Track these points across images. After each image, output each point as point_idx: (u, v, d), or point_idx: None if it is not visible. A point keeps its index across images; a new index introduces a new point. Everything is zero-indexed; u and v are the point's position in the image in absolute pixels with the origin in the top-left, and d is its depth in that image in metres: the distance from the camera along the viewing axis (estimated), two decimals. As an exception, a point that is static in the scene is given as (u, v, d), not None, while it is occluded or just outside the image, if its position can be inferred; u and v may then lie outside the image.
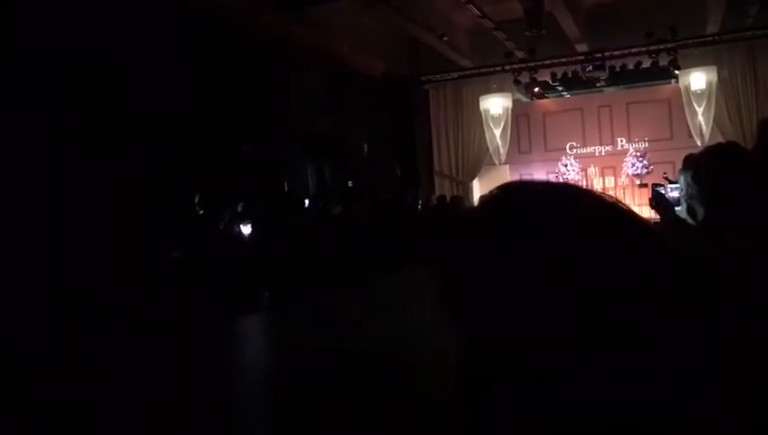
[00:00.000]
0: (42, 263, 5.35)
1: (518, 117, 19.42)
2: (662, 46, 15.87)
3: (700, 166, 1.89)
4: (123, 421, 2.23)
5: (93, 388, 2.75)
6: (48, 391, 2.69)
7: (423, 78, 18.13)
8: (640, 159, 17.99)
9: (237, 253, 5.98)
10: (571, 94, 19.46)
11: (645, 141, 18.40)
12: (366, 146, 15.83)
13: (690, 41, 15.64)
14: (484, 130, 17.85)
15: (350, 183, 13.37)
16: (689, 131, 17.66)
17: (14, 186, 6.42)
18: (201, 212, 8.30)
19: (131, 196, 6.86)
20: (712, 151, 1.94)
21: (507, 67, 17.22)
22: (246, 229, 6.66)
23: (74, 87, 7.68)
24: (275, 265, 5.94)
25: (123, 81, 8.43)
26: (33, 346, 3.99)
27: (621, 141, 18.82)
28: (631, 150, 18.34)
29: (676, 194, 4.09)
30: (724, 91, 15.92)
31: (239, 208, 7.59)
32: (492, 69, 17.39)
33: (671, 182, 7.25)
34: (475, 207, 0.82)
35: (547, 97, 19.57)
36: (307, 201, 8.96)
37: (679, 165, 10.73)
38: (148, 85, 8.76)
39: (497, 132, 17.96)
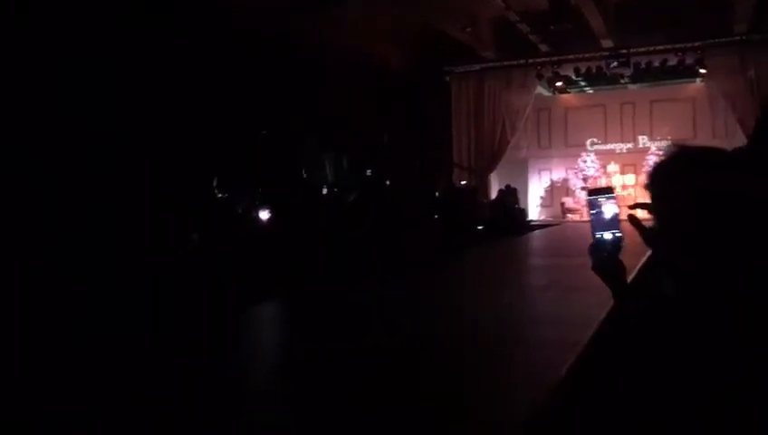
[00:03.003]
0: (59, 246, 5.40)
1: (539, 111, 19.31)
2: (689, 45, 15.67)
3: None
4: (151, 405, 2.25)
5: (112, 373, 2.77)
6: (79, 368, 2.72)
7: (445, 69, 18.04)
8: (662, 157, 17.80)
9: (255, 237, 6.02)
10: (593, 90, 19.28)
11: (668, 140, 18.18)
12: (386, 136, 15.81)
13: (717, 40, 15.41)
14: (504, 124, 17.73)
15: (368, 172, 13.36)
16: (714, 132, 17.47)
17: (40, 170, 6.47)
18: (219, 196, 8.34)
19: (151, 179, 6.89)
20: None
21: (530, 61, 17.09)
22: (264, 215, 6.68)
23: (95, 74, 7.72)
24: (293, 252, 5.97)
25: (143, 65, 8.46)
26: (61, 330, 4.04)
27: (643, 139, 18.66)
28: (653, 149, 18.17)
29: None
30: (750, 91, 15.67)
31: (257, 194, 7.61)
32: (515, 62, 17.26)
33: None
34: None
35: (569, 92, 19.41)
36: (325, 189, 8.98)
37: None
38: (170, 71, 8.79)
39: (518, 126, 17.85)
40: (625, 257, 1.75)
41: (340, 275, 5.85)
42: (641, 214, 1.80)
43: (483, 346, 3.05)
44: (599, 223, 1.78)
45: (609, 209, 1.77)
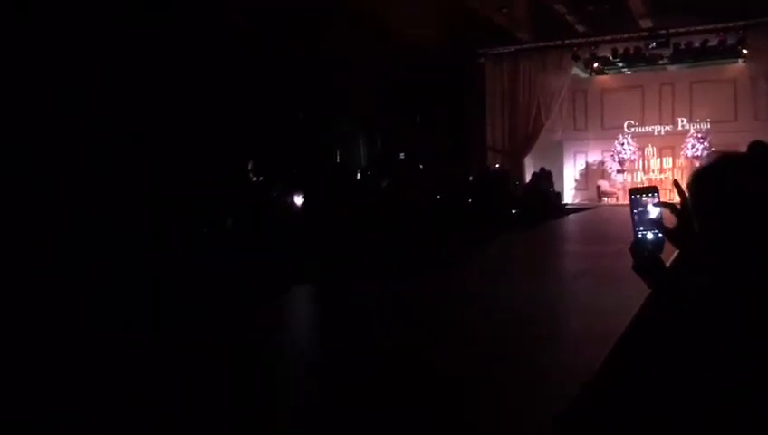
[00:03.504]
0: (94, 229, 5.51)
1: (575, 93, 19.02)
2: (730, 24, 15.28)
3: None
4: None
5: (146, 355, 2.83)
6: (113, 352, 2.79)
7: (479, 50, 17.88)
8: (701, 140, 17.46)
9: (289, 222, 6.08)
10: (631, 71, 18.92)
11: (707, 122, 17.82)
12: (418, 117, 15.76)
13: (760, 19, 14.99)
14: (539, 106, 17.54)
15: (401, 155, 13.35)
16: (755, 114, 17.03)
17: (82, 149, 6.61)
18: (255, 179, 8.43)
19: (186, 164, 7.00)
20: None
21: (566, 42, 16.85)
22: (299, 199, 6.74)
23: (129, 57, 7.82)
24: (326, 238, 6.02)
25: (180, 49, 8.54)
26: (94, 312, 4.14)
27: (682, 121, 18.27)
28: (692, 131, 17.81)
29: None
30: (794, 73, 15.25)
31: (292, 178, 7.67)
32: (550, 43, 17.04)
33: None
34: None
35: (606, 73, 19.09)
36: (359, 174, 9.02)
37: (743, 148, 10.43)
38: (205, 55, 8.87)
39: (553, 108, 17.63)
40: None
41: (370, 262, 5.89)
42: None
43: (511, 340, 3.05)
44: (641, 222, 1.77)
45: (652, 209, 1.77)
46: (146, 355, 2.79)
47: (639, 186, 1.83)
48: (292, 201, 6.69)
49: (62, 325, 3.89)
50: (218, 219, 5.68)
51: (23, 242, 5.06)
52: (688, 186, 1.75)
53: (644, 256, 1.77)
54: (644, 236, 1.76)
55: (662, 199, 1.80)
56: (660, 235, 1.75)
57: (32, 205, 5.69)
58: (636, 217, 1.78)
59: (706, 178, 1.72)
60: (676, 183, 1.83)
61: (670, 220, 1.76)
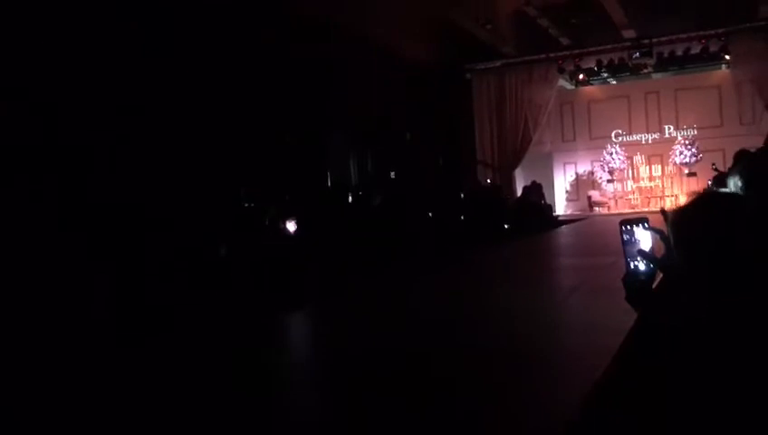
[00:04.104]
0: (88, 254, 5.51)
1: (562, 105, 19.18)
2: (712, 31, 15.46)
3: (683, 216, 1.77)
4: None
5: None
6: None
7: (465, 66, 18.01)
8: (689, 147, 17.61)
9: (283, 248, 6.09)
10: (616, 80, 19.10)
11: (694, 129, 17.98)
12: (409, 134, 15.82)
13: (741, 25, 15.18)
14: (527, 119, 17.66)
15: (392, 174, 13.39)
16: (740, 118, 17.21)
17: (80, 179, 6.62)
18: (246, 205, 8.43)
19: (177, 191, 7.02)
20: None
21: (551, 55, 17.00)
22: (291, 226, 6.76)
23: (120, 82, 7.85)
24: (320, 260, 6.04)
25: (168, 72, 8.58)
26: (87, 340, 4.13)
27: (669, 129, 18.43)
28: (679, 138, 17.96)
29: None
30: (777, 77, 15.39)
31: (284, 203, 7.69)
32: (535, 57, 17.18)
33: (721, 176, 7.06)
34: None
35: (592, 84, 19.26)
36: (350, 195, 9.04)
37: (730, 153, 10.36)
38: (194, 78, 8.91)
39: (540, 121, 17.75)
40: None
41: (361, 278, 5.91)
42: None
43: (505, 358, 3.06)
44: (632, 253, 1.77)
45: (642, 239, 1.77)
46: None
47: (629, 217, 1.83)
48: (285, 227, 6.71)
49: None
50: (212, 247, 5.69)
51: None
52: (672, 222, 1.76)
53: (636, 288, 1.77)
54: (636, 267, 1.77)
55: (652, 222, 1.82)
56: (652, 266, 1.75)
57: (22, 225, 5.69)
58: (626, 249, 1.78)
59: (689, 218, 1.74)
60: (663, 211, 1.85)
61: (659, 247, 1.78)
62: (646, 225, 1.79)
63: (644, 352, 2.33)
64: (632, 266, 1.77)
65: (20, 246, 5.38)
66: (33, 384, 2.46)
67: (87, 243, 5.52)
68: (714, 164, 13.95)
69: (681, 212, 1.76)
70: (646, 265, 1.76)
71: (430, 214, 10.99)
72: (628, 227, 1.79)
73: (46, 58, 7.04)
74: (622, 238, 1.80)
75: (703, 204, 1.77)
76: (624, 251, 1.79)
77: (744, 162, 3.56)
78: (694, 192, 1.81)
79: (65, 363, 3.14)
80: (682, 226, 1.73)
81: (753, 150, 6.19)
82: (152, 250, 5.66)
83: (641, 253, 1.76)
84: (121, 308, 4.73)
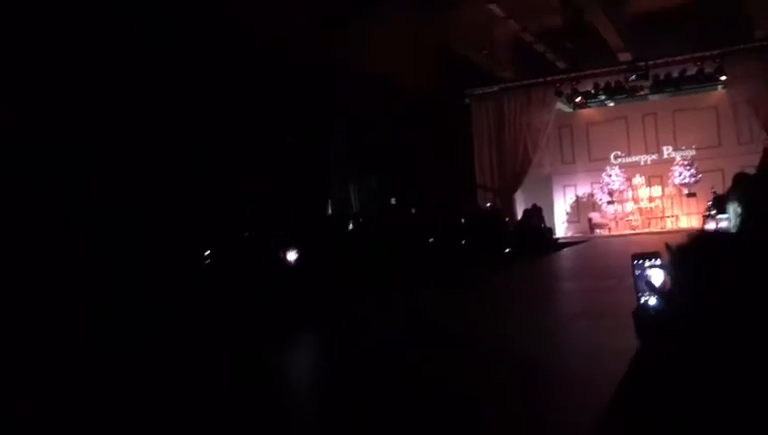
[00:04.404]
0: (92, 282, 5.50)
1: (561, 127, 19.26)
2: (707, 53, 15.58)
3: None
4: None
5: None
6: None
7: (464, 91, 18.12)
8: (688, 167, 17.64)
9: (283, 279, 6.09)
10: (614, 103, 19.18)
11: (692, 149, 18.02)
12: (409, 160, 15.87)
13: (736, 47, 15.30)
14: (526, 142, 17.73)
15: (393, 200, 13.41)
16: (738, 138, 17.27)
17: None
18: (246, 235, 8.42)
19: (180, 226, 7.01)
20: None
21: (549, 78, 17.11)
22: (292, 256, 6.75)
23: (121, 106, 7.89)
24: (320, 288, 6.03)
25: (169, 98, 8.62)
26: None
27: (668, 150, 18.48)
28: (678, 159, 17.99)
29: (725, 224, 3.93)
30: (773, 96, 15.46)
31: (284, 233, 7.68)
32: (533, 81, 17.30)
33: (720, 202, 7.06)
34: None
35: (590, 106, 19.34)
36: (351, 224, 9.06)
37: (729, 173, 10.40)
38: (195, 108, 8.95)
39: (539, 144, 17.82)
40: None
41: (364, 303, 5.90)
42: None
43: (513, 384, 3.05)
44: (642, 287, 1.76)
45: (654, 274, 1.75)
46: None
47: (641, 251, 1.82)
48: (285, 258, 6.71)
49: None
50: (215, 283, 5.69)
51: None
52: (671, 261, 1.76)
53: (646, 323, 1.76)
54: (646, 301, 1.76)
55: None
56: (663, 300, 1.74)
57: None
58: (638, 283, 1.77)
59: (686, 258, 1.74)
60: (667, 246, 1.84)
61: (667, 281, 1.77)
62: (657, 260, 1.78)
63: (646, 380, 2.32)
64: (642, 301, 1.75)
65: (20, 244, 5.38)
66: (33, 382, 2.45)
67: (91, 274, 5.52)
68: (713, 187, 14.02)
69: (680, 251, 1.76)
70: (657, 299, 1.74)
71: (431, 239, 11.00)
72: (640, 261, 1.78)
73: (46, 58, 7.07)
74: (633, 273, 1.79)
75: (699, 246, 1.77)
76: (635, 285, 1.78)
77: (742, 187, 3.57)
78: (693, 231, 1.81)
79: (64, 361, 3.12)
80: (680, 265, 1.73)
81: (751, 172, 6.20)
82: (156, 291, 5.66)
83: (652, 288, 1.75)
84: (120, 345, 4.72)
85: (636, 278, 1.77)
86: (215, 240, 7.07)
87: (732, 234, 1.83)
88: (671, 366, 1.73)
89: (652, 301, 1.75)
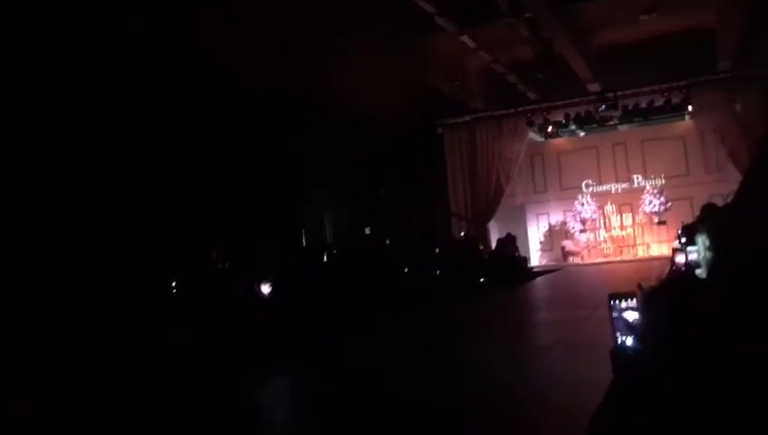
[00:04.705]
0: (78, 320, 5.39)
1: (532, 157, 19.48)
2: (674, 84, 15.94)
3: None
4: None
5: None
6: None
7: (437, 121, 18.27)
8: (658, 196, 17.93)
9: (258, 313, 6.02)
10: (584, 132, 19.48)
11: (661, 178, 18.34)
12: (382, 190, 15.91)
13: (702, 78, 15.68)
14: (499, 172, 17.87)
15: (367, 230, 13.40)
16: (706, 167, 17.63)
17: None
18: (220, 266, 8.34)
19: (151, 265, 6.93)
20: None
21: (520, 109, 17.34)
22: (266, 289, 6.69)
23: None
24: (296, 322, 5.97)
25: (148, 130, 8.57)
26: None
27: (637, 178, 18.78)
28: (648, 188, 18.28)
29: (694, 256, 3.98)
30: (738, 125, 15.79)
31: (258, 265, 7.63)
32: (505, 111, 17.51)
33: (688, 232, 7.14)
34: None
35: (561, 136, 19.61)
36: (325, 255, 9.03)
37: (697, 201, 10.54)
38: (167, 141, 8.91)
39: (512, 174, 17.99)
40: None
41: (337, 336, 5.85)
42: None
43: (489, 416, 3.03)
44: (619, 327, 1.76)
45: (630, 314, 1.76)
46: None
47: (618, 291, 1.82)
48: (260, 290, 6.65)
49: None
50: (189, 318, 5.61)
51: None
52: (642, 304, 1.77)
53: (624, 363, 1.76)
54: (623, 341, 1.76)
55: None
56: (638, 340, 1.75)
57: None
58: (614, 322, 1.77)
59: (656, 301, 1.76)
60: (639, 287, 1.85)
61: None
62: (633, 300, 1.78)
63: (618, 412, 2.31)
64: (619, 341, 1.75)
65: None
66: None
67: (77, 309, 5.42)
68: (683, 222, 14.30)
69: (651, 295, 1.78)
70: (634, 339, 1.74)
71: (406, 269, 10.99)
72: (617, 301, 1.78)
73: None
74: (610, 313, 1.79)
75: (670, 289, 1.79)
76: (612, 325, 1.78)
77: (711, 220, 3.63)
78: (666, 277, 1.83)
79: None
80: (651, 308, 1.75)
81: (719, 203, 6.31)
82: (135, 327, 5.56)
83: (629, 327, 1.75)
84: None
85: (613, 318, 1.77)
86: (186, 270, 7.00)
87: (694, 279, 1.85)
88: (644, 403, 1.73)
89: (629, 341, 1.75)
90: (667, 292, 1.75)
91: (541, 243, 19.90)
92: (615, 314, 1.76)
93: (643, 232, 18.60)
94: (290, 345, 5.73)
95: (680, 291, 1.73)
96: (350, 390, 3.68)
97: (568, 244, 18.98)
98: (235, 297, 6.01)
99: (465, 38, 12.59)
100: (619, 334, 1.74)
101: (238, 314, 5.63)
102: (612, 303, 1.77)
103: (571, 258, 18.65)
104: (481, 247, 16.28)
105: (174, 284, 6.15)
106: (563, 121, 17.96)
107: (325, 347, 5.55)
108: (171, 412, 3.40)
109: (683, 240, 6.99)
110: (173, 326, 5.52)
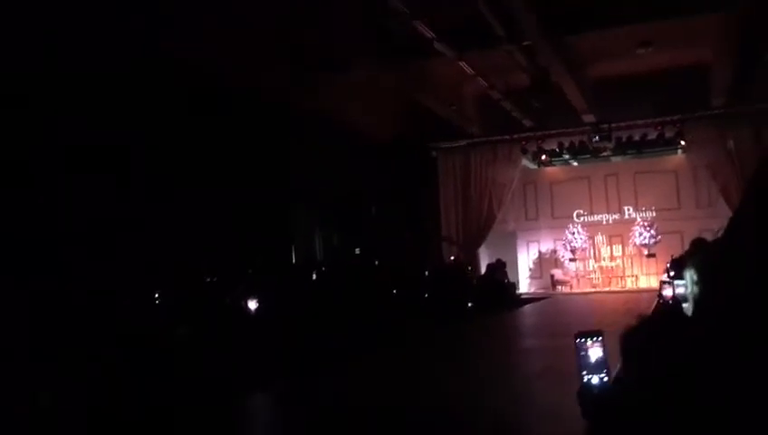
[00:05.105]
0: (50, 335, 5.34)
1: (525, 184, 19.54)
2: (668, 118, 16.07)
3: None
4: None
5: None
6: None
7: (432, 144, 18.32)
8: (648, 228, 18.01)
9: (245, 327, 5.98)
10: (578, 162, 19.58)
11: (652, 210, 18.43)
12: (374, 209, 15.92)
13: (695, 114, 15.82)
14: (491, 198, 17.90)
15: (357, 250, 13.37)
16: (697, 202, 17.74)
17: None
18: (208, 280, 8.29)
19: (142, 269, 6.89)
20: None
21: (515, 136, 17.41)
22: (253, 304, 6.65)
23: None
24: (282, 340, 5.93)
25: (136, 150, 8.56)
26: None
27: (628, 210, 18.87)
28: (639, 220, 18.36)
29: (682, 290, 3.97)
30: (730, 162, 15.91)
31: (247, 280, 7.59)
32: (499, 138, 17.57)
33: (677, 265, 7.15)
34: None
35: (554, 165, 19.70)
36: (315, 274, 8.99)
37: (687, 235, 10.57)
38: (163, 156, 8.90)
39: (504, 200, 18.02)
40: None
41: (322, 362, 5.80)
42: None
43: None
44: (586, 366, 1.75)
45: (594, 353, 1.75)
46: None
47: (585, 330, 1.81)
48: (247, 305, 6.60)
49: None
50: (173, 328, 5.56)
51: None
52: (621, 345, 1.77)
53: (590, 402, 1.74)
54: (589, 380, 1.75)
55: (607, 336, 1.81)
56: (606, 379, 1.74)
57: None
58: (581, 362, 1.77)
59: (632, 340, 1.75)
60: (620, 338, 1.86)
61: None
62: (599, 339, 1.77)
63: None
64: (585, 380, 1.74)
65: None
66: None
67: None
68: (672, 255, 14.33)
69: (627, 334, 1.78)
70: (600, 378, 1.74)
71: (395, 291, 10.95)
72: (583, 340, 1.77)
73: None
74: (577, 351, 1.78)
75: (645, 329, 1.78)
76: (578, 364, 1.77)
77: (700, 255, 3.64)
78: (641, 315, 1.82)
79: None
80: (627, 347, 1.74)
81: (709, 238, 6.33)
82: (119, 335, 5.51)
83: (595, 366, 1.75)
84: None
85: (579, 357, 1.76)
86: (172, 282, 6.95)
87: (680, 313, 1.86)
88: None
89: (595, 380, 1.74)
90: (642, 332, 1.75)
91: (530, 270, 19.91)
92: (582, 353, 1.75)
93: (632, 264, 18.65)
94: (270, 364, 5.68)
95: (654, 331, 1.73)
96: (323, 420, 3.64)
97: (557, 272, 19.00)
98: (220, 310, 5.97)
99: (462, 64, 12.66)
100: (584, 374, 1.73)
101: (222, 327, 5.59)
102: (578, 341, 1.76)
103: (559, 287, 18.66)
104: (469, 268, 16.29)
105: (156, 295, 6.11)
106: (557, 150, 18.04)
107: (305, 370, 5.50)
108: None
109: (671, 274, 7.00)
110: (155, 337, 5.47)
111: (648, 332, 1.73)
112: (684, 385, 1.59)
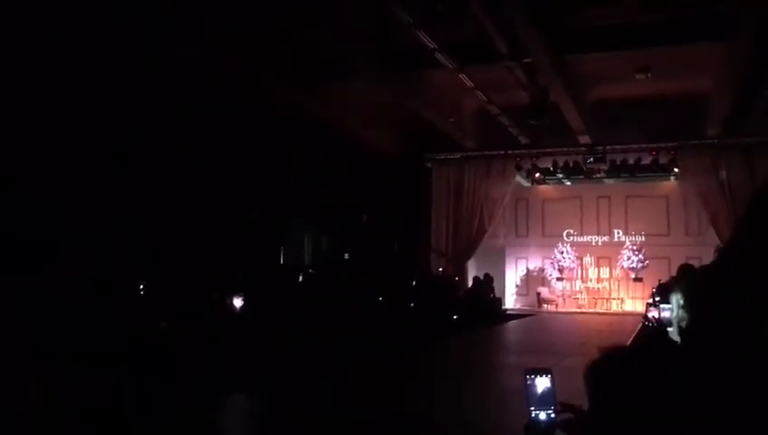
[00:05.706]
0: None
1: (517, 200, 19.59)
2: (663, 145, 16.17)
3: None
4: None
5: None
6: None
7: (426, 155, 18.34)
8: (636, 252, 18.08)
9: (230, 326, 5.95)
10: (571, 182, 19.62)
11: (642, 235, 18.50)
12: (365, 217, 15.91)
13: (690, 142, 15.92)
14: (483, 212, 17.92)
15: (346, 256, 13.35)
16: (687, 229, 17.82)
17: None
18: (197, 280, 8.25)
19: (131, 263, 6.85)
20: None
21: (510, 152, 17.46)
22: (238, 302, 6.62)
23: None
24: (268, 340, 5.90)
25: (136, 143, 8.53)
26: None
27: (618, 233, 18.94)
28: (628, 243, 18.43)
29: (667, 314, 4.00)
30: (722, 192, 16.00)
31: (235, 280, 7.56)
32: (494, 153, 17.62)
33: (664, 290, 7.19)
34: None
35: (547, 183, 19.74)
36: (302, 276, 8.97)
37: (675, 262, 10.62)
38: (157, 156, 8.87)
39: (495, 215, 18.06)
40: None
41: (305, 368, 5.77)
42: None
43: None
44: (533, 401, 1.79)
45: (540, 385, 1.79)
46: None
47: (535, 366, 1.85)
48: (232, 304, 6.57)
49: None
50: (155, 322, 5.52)
51: None
52: (585, 377, 1.79)
53: None
54: (536, 415, 1.78)
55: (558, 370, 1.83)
56: (552, 415, 1.77)
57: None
58: (529, 397, 1.80)
59: (596, 374, 1.77)
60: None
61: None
62: (548, 376, 1.81)
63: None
64: (533, 415, 1.78)
65: None
66: None
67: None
68: (659, 280, 14.41)
69: (591, 368, 1.79)
70: (546, 414, 1.77)
71: (381, 298, 10.93)
72: (532, 376, 1.81)
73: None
74: (526, 388, 1.82)
75: (608, 363, 1.80)
76: (527, 399, 1.81)
77: (687, 281, 3.65)
78: (608, 347, 1.84)
79: None
80: (592, 384, 1.75)
81: (697, 265, 6.36)
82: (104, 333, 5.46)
83: (543, 401, 1.79)
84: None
85: (528, 393, 1.80)
86: (157, 278, 6.91)
87: (665, 336, 1.87)
88: None
89: (542, 415, 1.78)
90: (605, 366, 1.76)
91: (517, 286, 19.93)
92: (530, 390, 1.79)
93: (619, 287, 18.70)
94: (249, 364, 5.65)
95: (616, 366, 1.75)
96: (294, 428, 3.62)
97: (544, 290, 19.03)
98: (204, 307, 5.94)
99: (462, 76, 12.69)
100: (532, 410, 1.77)
101: (205, 324, 5.57)
102: (528, 377, 1.80)
103: (545, 305, 18.69)
104: (456, 279, 16.28)
105: (141, 287, 6.08)
106: (551, 169, 18.09)
107: (286, 376, 5.47)
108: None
109: (657, 298, 7.04)
110: (136, 332, 5.43)
111: (616, 366, 1.75)
112: (644, 424, 1.61)
